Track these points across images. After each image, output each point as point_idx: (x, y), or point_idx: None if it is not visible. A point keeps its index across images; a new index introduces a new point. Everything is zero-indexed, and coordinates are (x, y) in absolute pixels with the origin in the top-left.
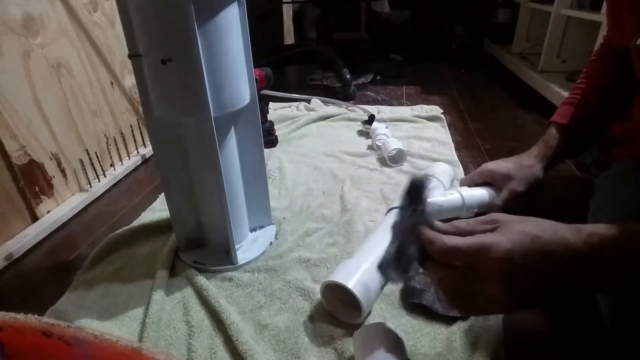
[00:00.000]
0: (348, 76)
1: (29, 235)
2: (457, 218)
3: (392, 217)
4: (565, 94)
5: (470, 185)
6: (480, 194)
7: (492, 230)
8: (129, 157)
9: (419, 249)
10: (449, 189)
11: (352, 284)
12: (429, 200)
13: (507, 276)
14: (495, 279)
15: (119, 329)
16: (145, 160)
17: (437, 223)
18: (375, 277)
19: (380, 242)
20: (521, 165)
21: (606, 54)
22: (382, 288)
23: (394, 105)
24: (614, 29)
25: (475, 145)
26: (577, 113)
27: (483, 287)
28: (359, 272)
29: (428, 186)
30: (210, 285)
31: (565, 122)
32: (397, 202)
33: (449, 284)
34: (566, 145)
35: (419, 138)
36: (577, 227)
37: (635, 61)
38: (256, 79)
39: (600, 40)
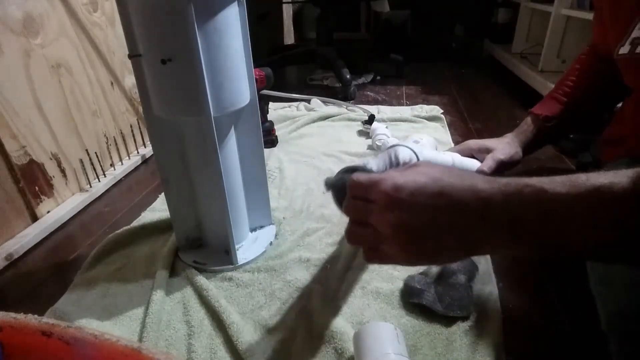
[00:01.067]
0: (348, 76)
1: (29, 235)
2: None
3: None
4: None
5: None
6: (470, 160)
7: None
8: (129, 157)
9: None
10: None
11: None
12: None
13: (394, 212)
14: (384, 215)
15: (119, 329)
16: (145, 160)
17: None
18: None
19: None
20: (502, 141)
21: (593, 55)
22: None
23: (394, 105)
24: (598, 37)
25: None
26: (557, 106)
27: (378, 224)
28: None
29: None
30: (210, 285)
31: (543, 113)
32: (403, 141)
33: (352, 216)
34: (541, 135)
35: None
36: (492, 177)
37: (621, 68)
38: (256, 79)
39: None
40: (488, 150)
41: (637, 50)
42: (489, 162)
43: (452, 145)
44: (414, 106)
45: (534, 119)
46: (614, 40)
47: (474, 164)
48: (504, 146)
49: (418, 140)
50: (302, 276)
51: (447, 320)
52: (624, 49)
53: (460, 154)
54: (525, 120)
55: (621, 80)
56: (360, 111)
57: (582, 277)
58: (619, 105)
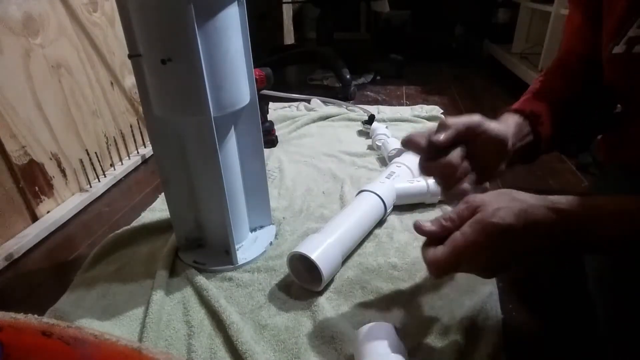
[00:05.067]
0: (348, 76)
1: (29, 235)
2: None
3: (361, 198)
4: None
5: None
6: None
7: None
8: (129, 157)
9: None
10: (417, 176)
11: (315, 255)
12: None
13: (483, 262)
14: (473, 265)
15: (119, 329)
16: (145, 160)
17: (425, 224)
18: (337, 251)
19: (345, 221)
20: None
21: (561, 66)
22: (342, 262)
23: (394, 105)
24: (576, 40)
25: None
26: (541, 105)
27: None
28: (323, 246)
29: None
30: (210, 285)
31: (528, 108)
32: (369, 185)
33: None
34: (530, 134)
35: None
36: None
37: (610, 69)
38: (256, 79)
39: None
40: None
41: (634, 50)
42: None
43: None
44: (414, 106)
45: (520, 114)
46: (604, 41)
47: None
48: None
49: (394, 171)
50: None
51: (448, 321)
52: (619, 48)
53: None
54: (508, 116)
55: (592, 90)
56: (360, 111)
57: (581, 278)
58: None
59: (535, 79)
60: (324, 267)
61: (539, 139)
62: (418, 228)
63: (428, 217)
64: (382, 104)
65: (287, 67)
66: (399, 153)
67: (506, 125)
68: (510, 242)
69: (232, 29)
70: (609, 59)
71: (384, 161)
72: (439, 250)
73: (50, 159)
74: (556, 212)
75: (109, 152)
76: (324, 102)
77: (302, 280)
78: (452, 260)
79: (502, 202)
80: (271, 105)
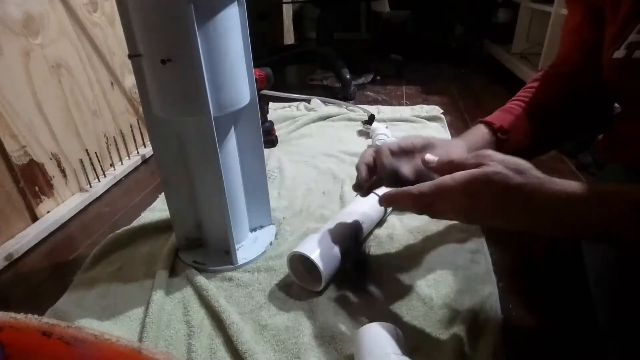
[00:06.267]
0: (348, 76)
1: (29, 235)
2: None
3: (361, 198)
4: None
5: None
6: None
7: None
8: (129, 157)
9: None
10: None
11: (315, 255)
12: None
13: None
14: (447, 205)
15: (119, 329)
16: (145, 160)
17: (428, 156)
18: (337, 251)
19: (346, 221)
20: (453, 144)
21: (552, 74)
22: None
23: (394, 105)
24: (575, 44)
25: None
26: (512, 121)
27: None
28: (323, 246)
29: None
30: (210, 285)
31: (498, 124)
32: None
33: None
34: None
35: None
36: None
37: (609, 77)
38: (256, 79)
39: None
40: (431, 147)
41: (634, 55)
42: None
43: None
44: (414, 106)
45: (488, 128)
46: (605, 44)
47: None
48: (456, 149)
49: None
50: None
51: (448, 321)
52: (619, 53)
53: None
54: (476, 127)
55: (585, 100)
56: (360, 111)
57: (581, 277)
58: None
59: (528, 84)
60: (324, 267)
61: (508, 150)
62: (424, 162)
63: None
64: (382, 104)
65: (287, 67)
66: None
67: (458, 144)
68: (496, 195)
69: (232, 29)
70: (609, 63)
71: None
72: (424, 184)
73: (50, 159)
74: (552, 182)
75: (109, 152)
76: (324, 102)
77: (302, 280)
78: (433, 190)
79: (507, 165)
80: (271, 105)
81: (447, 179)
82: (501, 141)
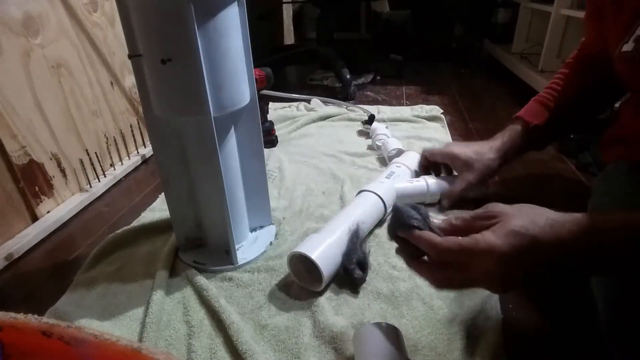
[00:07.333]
0: (348, 76)
1: (29, 235)
2: (423, 202)
3: (361, 198)
4: None
5: (430, 160)
6: (440, 183)
7: (488, 227)
8: (129, 157)
9: (403, 250)
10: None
11: (315, 255)
12: (396, 185)
13: (500, 274)
14: (486, 277)
15: (119, 329)
16: (145, 160)
17: (434, 221)
18: (337, 251)
19: (346, 221)
20: (482, 157)
21: (583, 60)
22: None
23: (394, 105)
24: (594, 35)
25: None
26: (547, 115)
27: (475, 280)
28: (323, 246)
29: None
30: (210, 285)
31: (533, 122)
32: (369, 186)
33: (443, 280)
34: (527, 144)
35: (419, 138)
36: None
37: (620, 67)
38: (256, 79)
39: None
40: (464, 165)
41: None
42: (461, 185)
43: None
44: (414, 106)
45: (524, 126)
46: (614, 38)
47: (445, 185)
48: (480, 166)
49: (393, 171)
50: None
51: (448, 321)
52: (628, 47)
53: (438, 158)
54: (512, 127)
55: (612, 84)
56: (360, 111)
57: (581, 277)
58: (617, 105)
59: (561, 69)
60: (324, 267)
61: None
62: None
63: None
64: (382, 104)
65: (287, 67)
66: (398, 153)
67: (490, 147)
68: (530, 256)
69: (232, 29)
70: (618, 56)
71: (384, 161)
72: (454, 241)
73: (50, 159)
74: (579, 226)
75: (109, 152)
76: (324, 102)
77: (302, 280)
78: (462, 256)
79: (524, 215)
80: (271, 105)
81: (478, 237)
82: (535, 137)
